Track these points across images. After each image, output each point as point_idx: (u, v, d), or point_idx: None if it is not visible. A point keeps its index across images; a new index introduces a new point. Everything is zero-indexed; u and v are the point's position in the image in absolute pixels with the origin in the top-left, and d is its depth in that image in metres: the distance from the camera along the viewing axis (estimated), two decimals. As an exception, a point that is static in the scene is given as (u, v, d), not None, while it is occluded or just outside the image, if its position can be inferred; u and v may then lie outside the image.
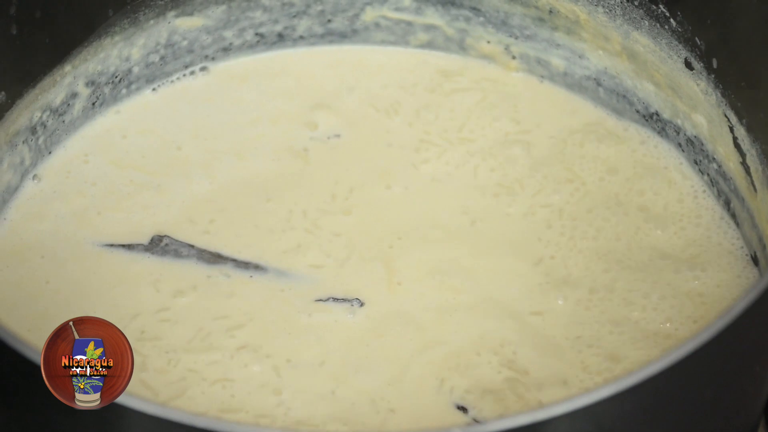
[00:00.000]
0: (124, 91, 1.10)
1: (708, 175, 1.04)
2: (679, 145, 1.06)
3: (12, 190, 1.03)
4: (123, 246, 0.99)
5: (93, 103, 1.08)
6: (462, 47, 1.14)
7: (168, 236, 0.99)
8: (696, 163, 1.05)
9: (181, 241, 0.99)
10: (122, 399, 0.72)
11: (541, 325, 0.95)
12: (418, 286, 0.97)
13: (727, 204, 1.02)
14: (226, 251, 0.99)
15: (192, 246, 0.99)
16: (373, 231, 1.01)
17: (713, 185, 1.04)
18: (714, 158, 1.03)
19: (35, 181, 1.04)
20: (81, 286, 0.96)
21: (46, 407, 0.76)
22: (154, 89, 1.11)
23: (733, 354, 0.79)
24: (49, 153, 1.06)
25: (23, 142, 1.03)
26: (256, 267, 0.98)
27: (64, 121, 1.06)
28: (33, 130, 1.04)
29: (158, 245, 0.99)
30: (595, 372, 0.92)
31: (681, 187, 1.04)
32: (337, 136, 1.08)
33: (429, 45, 1.15)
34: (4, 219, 1.01)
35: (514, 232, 1.01)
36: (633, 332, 0.94)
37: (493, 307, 0.96)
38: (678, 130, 1.06)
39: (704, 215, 1.02)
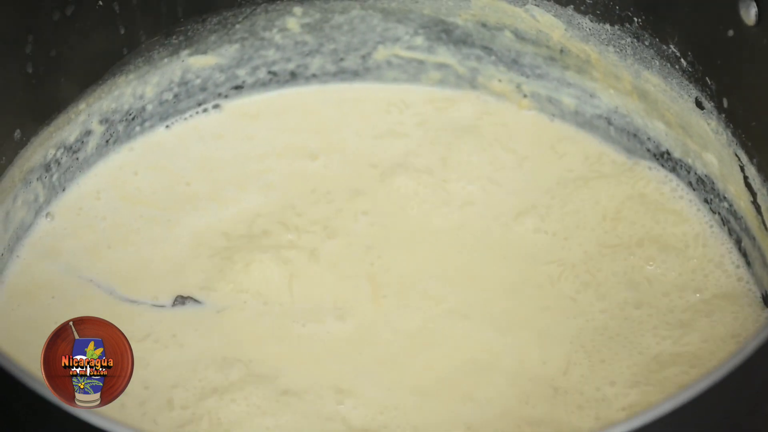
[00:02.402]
0: (137, 128, 1.11)
1: (719, 213, 1.04)
2: (690, 183, 1.06)
3: (25, 228, 1.03)
4: (146, 304, 0.99)
5: (107, 141, 1.09)
6: (473, 85, 1.15)
7: (191, 297, 0.99)
8: (707, 201, 1.05)
9: (201, 302, 0.99)
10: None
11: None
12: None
13: (738, 243, 1.02)
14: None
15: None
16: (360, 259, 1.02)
17: (724, 224, 1.04)
18: (725, 197, 1.03)
19: (48, 219, 1.05)
20: None
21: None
22: (167, 126, 1.12)
23: (743, 394, 0.78)
24: (63, 190, 1.06)
25: (37, 180, 1.04)
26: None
27: (77, 159, 1.07)
28: (47, 168, 1.04)
29: (180, 307, 0.99)
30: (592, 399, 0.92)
31: (691, 226, 1.04)
32: (340, 171, 1.08)
33: (441, 83, 1.16)
34: (17, 257, 1.02)
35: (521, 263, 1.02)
36: (639, 371, 0.94)
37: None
38: (689, 169, 1.06)
39: (715, 254, 1.02)
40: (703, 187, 1.05)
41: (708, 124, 1.02)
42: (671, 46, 1.03)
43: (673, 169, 1.07)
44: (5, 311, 0.98)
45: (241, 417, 0.91)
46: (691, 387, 0.73)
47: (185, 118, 1.13)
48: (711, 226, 1.04)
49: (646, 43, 1.05)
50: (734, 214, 1.02)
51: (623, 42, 1.06)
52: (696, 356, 0.95)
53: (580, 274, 1.00)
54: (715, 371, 0.73)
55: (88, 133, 1.07)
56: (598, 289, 0.99)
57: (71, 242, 1.03)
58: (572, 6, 1.07)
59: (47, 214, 1.05)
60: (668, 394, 0.91)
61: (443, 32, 1.13)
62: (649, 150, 1.09)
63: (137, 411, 0.91)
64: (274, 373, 0.94)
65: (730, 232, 1.03)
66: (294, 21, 1.13)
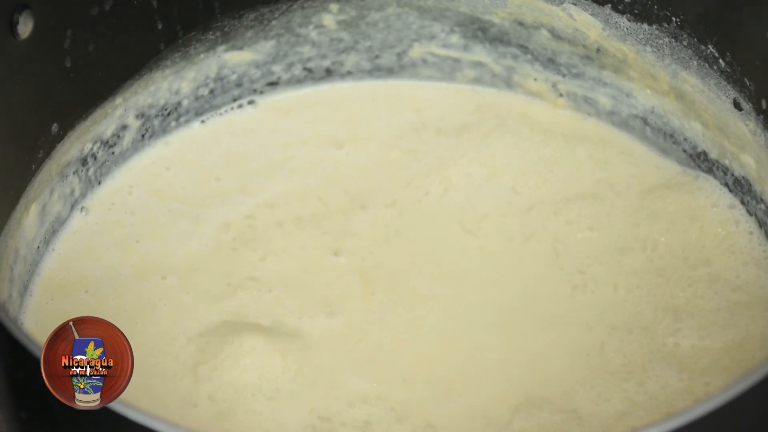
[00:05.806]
0: (173, 123, 1.11)
1: (756, 216, 1.03)
2: (727, 185, 1.05)
3: (62, 221, 1.04)
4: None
5: (143, 135, 1.10)
6: (509, 84, 1.14)
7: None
8: (744, 203, 1.04)
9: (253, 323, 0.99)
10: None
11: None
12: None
13: (774, 246, 1.02)
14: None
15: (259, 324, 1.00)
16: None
17: (761, 226, 1.03)
18: (762, 199, 1.02)
19: (83, 214, 1.05)
20: (120, 321, 0.97)
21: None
22: (202, 121, 1.13)
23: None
24: (99, 184, 1.07)
25: (74, 173, 1.04)
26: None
27: (113, 153, 1.08)
28: (84, 161, 1.05)
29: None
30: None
31: (728, 228, 1.03)
32: (363, 162, 1.09)
33: (476, 81, 1.15)
34: (53, 250, 1.03)
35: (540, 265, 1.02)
36: (669, 377, 0.94)
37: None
38: (726, 171, 1.05)
39: (751, 256, 1.01)
40: (740, 189, 1.04)
41: (746, 125, 1.01)
42: (709, 47, 1.02)
43: (709, 171, 1.07)
44: (40, 304, 0.99)
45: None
46: (722, 393, 0.72)
47: (220, 114, 1.13)
48: (748, 228, 1.03)
49: (684, 43, 1.04)
50: (771, 216, 1.02)
51: (661, 42, 1.05)
52: (730, 357, 0.94)
53: (615, 281, 1.00)
54: (751, 374, 0.73)
55: (125, 127, 1.08)
56: (608, 287, 0.99)
57: (103, 237, 1.03)
58: (610, 5, 1.07)
59: (82, 208, 1.05)
60: (698, 398, 0.91)
61: (479, 30, 1.13)
62: (685, 151, 1.08)
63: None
64: (272, 364, 0.95)
65: (767, 234, 1.02)
66: (330, 18, 1.13)
